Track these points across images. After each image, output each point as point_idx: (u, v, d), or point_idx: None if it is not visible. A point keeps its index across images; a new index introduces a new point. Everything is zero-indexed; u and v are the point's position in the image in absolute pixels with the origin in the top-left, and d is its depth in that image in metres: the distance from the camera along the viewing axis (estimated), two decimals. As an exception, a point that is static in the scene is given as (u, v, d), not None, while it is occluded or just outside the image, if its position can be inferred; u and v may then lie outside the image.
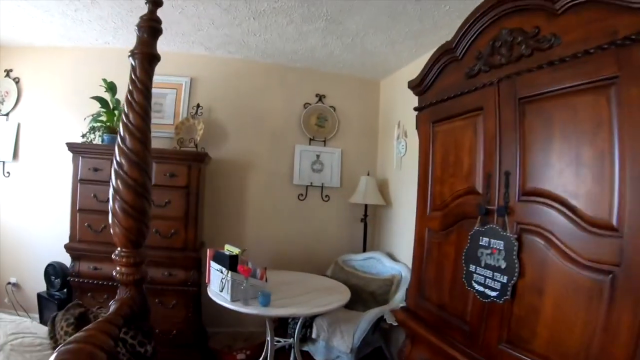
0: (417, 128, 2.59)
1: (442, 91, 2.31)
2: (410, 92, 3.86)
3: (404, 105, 4.25)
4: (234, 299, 2.77)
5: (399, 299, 3.67)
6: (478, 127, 1.96)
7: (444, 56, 2.30)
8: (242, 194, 4.29)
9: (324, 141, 4.54)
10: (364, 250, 4.44)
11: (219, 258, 3.01)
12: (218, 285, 2.89)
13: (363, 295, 3.76)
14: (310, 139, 4.49)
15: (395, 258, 4.15)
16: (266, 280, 3.00)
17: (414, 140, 4.00)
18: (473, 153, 1.99)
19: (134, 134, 1.57)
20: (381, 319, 3.44)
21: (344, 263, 4.25)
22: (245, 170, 4.30)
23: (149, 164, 1.61)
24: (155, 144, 3.92)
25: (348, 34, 3.56)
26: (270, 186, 4.38)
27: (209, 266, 3.15)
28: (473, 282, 1.87)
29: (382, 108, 4.81)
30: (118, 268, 1.62)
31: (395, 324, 3.12)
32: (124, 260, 1.60)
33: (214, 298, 2.89)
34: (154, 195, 3.58)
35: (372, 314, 3.42)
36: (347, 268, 4.12)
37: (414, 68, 4.12)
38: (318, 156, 4.50)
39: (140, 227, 1.60)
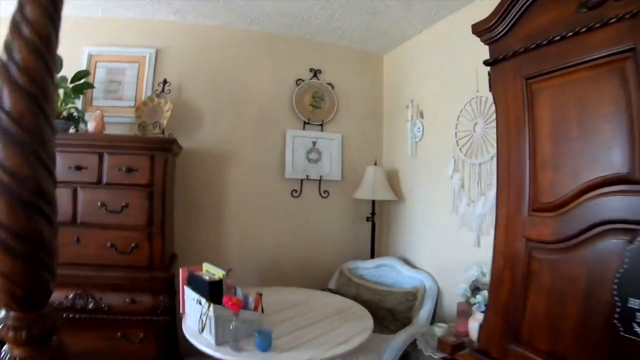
0: (491, 89, 1.86)
1: (536, 33, 1.60)
2: (428, 65, 3.13)
3: (418, 81, 3.53)
4: (219, 342, 1.98)
5: (424, 317, 2.96)
6: (628, 76, 1.21)
7: None
8: (222, 192, 3.48)
9: (321, 125, 3.76)
10: (373, 255, 3.70)
11: (196, 283, 2.22)
12: (197, 322, 2.09)
13: (379, 313, 3.02)
14: (305, 123, 3.70)
15: (412, 264, 3.42)
16: (262, 311, 2.22)
17: (432, 121, 3.31)
18: (619, 118, 1.25)
19: (18, 84, 0.75)
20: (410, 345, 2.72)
21: (351, 272, 3.49)
22: (226, 162, 3.48)
23: (50, 147, 0.80)
24: (110, 132, 3.10)
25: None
26: (257, 181, 3.57)
27: (183, 292, 2.35)
28: (636, 324, 1.14)
29: (387, 86, 4.06)
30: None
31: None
32: (10, 333, 0.80)
33: (191, 340, 2.10)
34: (105, 197, 2.70)
35: (398, 340, 2.68)
36: (355, 279, 3.37)
37: (427, 37, 3.45)
38: (314, 143, 3.72)
39: (36, 270, 0.79)
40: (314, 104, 3.72)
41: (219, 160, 3.46)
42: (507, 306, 1.71)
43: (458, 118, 3.03)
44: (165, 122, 3.01)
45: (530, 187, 1.65)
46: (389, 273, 3.37)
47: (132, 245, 2.72)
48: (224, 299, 2.00)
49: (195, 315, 2.14)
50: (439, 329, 2.58)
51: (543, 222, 1.59)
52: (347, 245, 3.85)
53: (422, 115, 3.45)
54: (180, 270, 2.42)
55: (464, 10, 3.04)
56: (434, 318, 3.03)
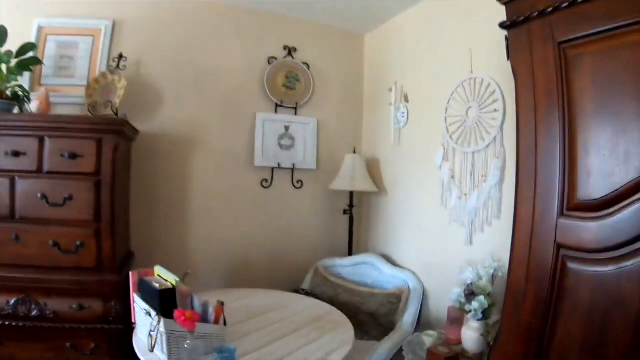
0: (510, 57, 1.57)
1: None
2: (415, 45, 2.90)
3: (403, 63, 3.23)
4: (174, 364, 1.63)
5: (409, 321, 2.70)
6: None
7: None
8: (185, 182, 3.08)
9: (295, 108, 3.40)
10: (350, 252, 3.39)
11: (145, 290, 1.86)
12: (147, 339, 1.73)
13: (360, 317, 2.72)
14: (277, 105, 3.33)
15: (394, 262, 3.14)
16: (225, 324, 1.87)
17: (418, 105, 3.01)
18: None
19: None
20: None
21: (327, 271, 3.18)
22: (189, 148, 3.08)
23: None
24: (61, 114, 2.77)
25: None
26: (224, 170, 3.19)
27: (133, 300, 1.98)
28: None
29: (368, 67, 3.73)
30: None
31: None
32: None
33: (142, 358, 1.74)
34: (46, 188, 2.25)
35: (383, 349, 2.40)
36: (332, 278, 3.05)
37: (414, 15, 3.13)
38: (287, 128, 3.36)
39: None
40: (288, 84, 3.35)
41: (181, 147, 3.05)
42: (530, 327, 1.43)
43: (448, 102, 2.74)
44: (118, 101, 2.59)
45: (566, 179, 1.35)
46: (369, 272, 3.07)
47: (77, 243, 2.31)
48: (176, 314, 1.64)
49: (145, 329, 1.77)
50: (429, 338, 2.31)
51: (583, 224, 1.31)
52: (323, 241, 3.53)
53: (406, 99, 3.14)
54: (131, 274, 2.04)
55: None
56: (419, 322, 2.75)
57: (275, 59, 3.32)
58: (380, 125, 3.45)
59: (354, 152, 3.39)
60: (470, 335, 2.14)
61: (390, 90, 3.22)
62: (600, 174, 1.28)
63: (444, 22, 2.85)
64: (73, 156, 2.31)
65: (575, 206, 1.34)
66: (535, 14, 1.41)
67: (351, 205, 3.36)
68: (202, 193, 3.12)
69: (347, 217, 3.41)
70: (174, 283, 1.82)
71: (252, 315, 2.33)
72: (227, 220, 3.20)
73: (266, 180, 3.30)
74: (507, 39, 1.56)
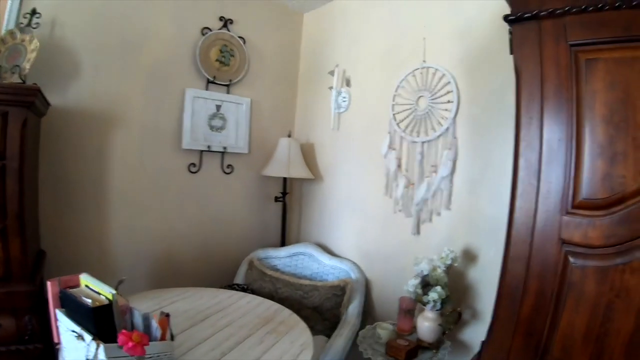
0: (513, 52, 1.49)
1: None
2: (361, 28, 2.90)
3: (347, 45, 3.11)
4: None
5: (354, 313, 2.62)
6: None
7: None
8: (101, 166, 2.62)
9: (228, 85, 3.09)
10: (284, 241, 3.22)
11: (72, 307, 1.50)
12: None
13: (303, 312, 2.57)
14: (209, 81, 2.99)
15: (332, 252, 3.04)
16: (172, 338, 1.58)
17: (361, 91, 2.92)
18: None
19: None
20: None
21: (262, 262, 2.98)
22: (107, 126, 2.62)
23: None
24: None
25: None
26: (147, 152, 2.78)
27: (55, 316, 1.60)
28: None
29: (305, 48, 3.54)
30: None
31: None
32: None
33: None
34: None
35: (337, 346, 2.29)
36: (268, 271, 2.86)
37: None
38: (218, 107, 3.05)
39: None
40: (222, 59, 3.03)
41: (98, 124, 2.58)
42: (530, 321, 1.41)
43: (397, 89, 2.69)
44: (28, 66, 2.08)
45: (573, 178, 1.35)
46: (308, 263, 2.94)
47: (-24, 245, 1.84)
48: (121, 339, 1.32)
49: (76, 354, 1.43)
50: (384, 331, 2.25)
51: (590, 222, 1.31)
52: (254, 231, 3.30)
53: (348, 83, 3.03)
54: (49, 284, 1.62)
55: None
56: (365, 314, 2.70)
57: (210, 30, 2.96)
58: (317, 108, 3.29)
59: (289, 135, 3.20)
60: (427, 325, 2.14)
61: (332, 73, 3.07)
62: (609, 177, 1.30)
63: (395, 7, 2.76)
64: (-33, 132, 1.82)
65: (580, 204, 1.35)
66: (545, 12, 1.37)
67: (284, 193, 3.18)
68: (122, 178, 2.69)
69: (279, 204, 3.23)
70: (109, 297, 1.48)
71: (193, 321, 2.05)
72: (150, 210, 2.81)
73: (194, 165, 2.97)
74: (510, 32, 1.51)
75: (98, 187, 2.62)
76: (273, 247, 3.13)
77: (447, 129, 2.41)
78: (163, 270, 2.85)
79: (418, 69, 2.57)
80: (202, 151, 2.99)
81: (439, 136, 2.46)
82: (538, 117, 1.42)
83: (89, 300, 1.46)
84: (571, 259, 1.36)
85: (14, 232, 1.89)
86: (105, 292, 1.49)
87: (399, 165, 2.66)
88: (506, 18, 1.49)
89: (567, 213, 1.36)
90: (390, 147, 2.70)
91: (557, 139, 1.37)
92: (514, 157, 1.49)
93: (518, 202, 1.47)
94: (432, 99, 2.50)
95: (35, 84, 2.09)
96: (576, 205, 1.35)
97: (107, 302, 1.46)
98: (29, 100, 1.93)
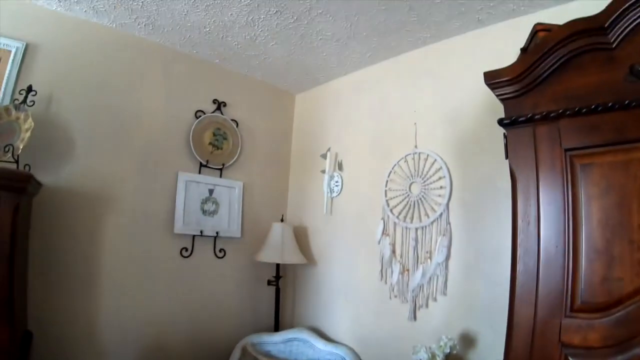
0: (508, 156, 1.52)
1: (574, 95, 1.38)
2: (353, 112, 3.02)
3: (339, 128, 3.18)
4: None
5: (351, 406, 2.47)
6: None
7: (582, 38, 1.36)
8: (91, 248, 2.54)
9: (220, 170, 3.11)
10: (277, 327, 3.10)
11: None
12: None
13: (298, 406, 2.45)
14: (201, 165, 3.02)
15: (327, 337, 2.94)
16: None
17: (354, 175, 2.96)
18: None
19: None
20: None
21: (256, 348, 2.85)
22: (99, 208, 2.58)
23: None
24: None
25: (293, 10, 2.34)
26: (139, 235, 2.73)
27: None
28: None
29: (296, 130, 3.62)
30: None
31: None
32: None
33: None
34: None
35: None
36: (262, 357, 2.74)
37: (354, 80, 3.14)
38: (211, 191, 3.05)
39: None
40: (215, 143, 3.07)
41: (91, 205, 2.55)
42: None
43: (389, 175, 2.73)
44: (22, 146, 2.08)
45: (571, 282, 1.34)
46: (303, 349, 2.82)
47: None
48: None
49: None
50: None
51: (589, 324, 1.30)
52: (247, 315, 3.18)
53: (340, 167, 3.08)
54: None
55: (406, 55, 2.81)
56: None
57: (204, 112, 3.03)
58: (310, 192, 3.31)
59: (282, 220, 3.19)
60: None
61: (324, 157, 3.12)
62: (607, 281, 1.29)
63: (385, 93, 2.88)
64: (-44, 218, 1.78)
65: (579, 308, 1.34)
66: (538, 116, 1.42)
67: (278, 276, 3.11)
68: (112, 261, 2.61)
69: (272, 288, 3.15)
70: None
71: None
72: (140, 293, 2.70)
73: (186, 249, 2.91)
74: (505, 137, 1.56)
75: (88, 269, 2.53)
76: (267, 332, 3.00)
77: (441, 214, 2.43)
78: (153, 356, 2.69)
79: (410, 154, 2.63)
80: (194, 235, 2.94)
81: (432, 222, 2.47)
82: (535, 222, 1.43)
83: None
84: (570, 360, 1.33)
85: (2, 319, 1.80)
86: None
87: (394, 251, 2.65)
88: (501, 122, 1.54)
89: (567, 316, 1.35)
90: (384, 233, 2.70)
91: (554, 244, 1.38)
92: (512, 261, 1.49)
93: (517, 307, 1.45)
94: (425, 185, 2.53)
95: (28, 166, 2.08)
96: (575, 308, 1.33)
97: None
98: (21, 187, 1.91)
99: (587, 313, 1.31)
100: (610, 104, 1.29)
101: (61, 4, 2.42)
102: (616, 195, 1.29)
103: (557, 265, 1.37)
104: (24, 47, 2.36)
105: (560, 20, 1.44)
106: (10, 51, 2.32)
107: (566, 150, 1.38)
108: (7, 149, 2.10)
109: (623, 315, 1.25)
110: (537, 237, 1.41)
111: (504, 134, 1.55)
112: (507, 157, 1.53)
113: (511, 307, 1.47)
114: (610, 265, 1.29)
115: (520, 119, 1.47)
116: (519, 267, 1.44)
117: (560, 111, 1.38)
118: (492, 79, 1.54)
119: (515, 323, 1.45)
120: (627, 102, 1.26)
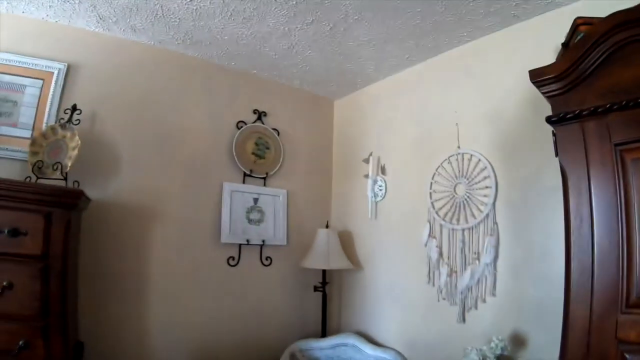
0: (558, 154, 1.50)
1: (620, 89, 1.34)
2: (392, 115, 2.95)
3: (379, 132, 3.17)
4: None
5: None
6: None
7: (625, 30, 1.33)
8: (142, 259, 2.66)
9: (264, 179, 3.17)
10: (324, 332, 3.11)
11: None
12: None
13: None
14: (245, 175, 3.09)
15: (374, 341, 2.91)
16: None
17: (397, 178, 2.94)
18: None
19: None
20: None
21: (304, 354, 2.86)
22: (148, 220, 2.70)
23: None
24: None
25: (329, 17, 2.37)
26: (186, 246, 2.82)
27: None
28: None
29: (337, 136, 3.64)
30: None
31: None
32: None
33: None
34: None
35: None
36: (310, 365, 2.75)
37: (392, 84, 3.13)
38: (256, 200, 3.11)
39: None
40: (258, 152, 3.14)
41: (138, 217, 2.66)
42: None
43: (433, 177, 2.70)
44: (70, 163, 2.20)
45: (626, 277, 1.29)
46: (351, 353, 2.81)
47: (20, 343, 1.84)
48: None
49: None
50: None
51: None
52: (294, 321, 3.21)
53: (383, 171, 3.07)
54: None
55: (444, 56, 2.78)
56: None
57: (245, 123, 3.11)
58: (354, 197, 3.31)
59: (327, 226, 3.21)
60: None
61: (367, 161, 3.12)
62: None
63: (425, 94, 2.86)
64: (14, 233, 1.88)
65: (635, 303, 1.30)
66: (586, 112, 1.39)
67: (324, 282, 3.12)
68: (160, 271, 2.70)
69: (319, 294, 3.16)
70: None
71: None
72: (189, 302, 2.79)
73: (233, 258, 2.98)
74: (554, 134, 1.52)
75: (137, 280, 2.63)
76: (314, 338, 3.01)
77: (487, 215, 2.38)
78: (203, 360, 2.78)
79: (453, 155, 2.59)
80: (240, 244, 3.00)
81: (479, 222, 2.42)
82: (588, 220, 1.40)
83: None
84: (628, 357, 1.28)
85: (56, 330, 1.91)
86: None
87: (441, 253, 2.60)
88: (549, 119, 1.51)
89: (623, 312, 1.31)
90: (431, 235, 2.66)
91: (608, 240, 1.34)
92: (565, 260, 1.46)
93: (572, 305, 1.42)
94: (470, 185, 2.49)
95: (77, 182, 2.19)
96: (631, 304, 1.29)
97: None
98: (72, 203, 2.03)
99: (642, 309, 1.27)
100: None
101: (100, 24, 2.55)
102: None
103: (611, 262, 1.33)
104: (65, 68, 2.50)
105: (596, 10, 1.42)
106: (52, 72, 2.46)
107: (616, 145, 1.34)
108: (55, 166, 2.22)
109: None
110: (590, 234, 1.37)
111: (553, 131, 1.52)
112: (557, 155, 1.50)
113: (566, 305, 1.44)
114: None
115: (568, 115, 1.44)
116: (574, 265, 1.41)
117: (608, 106, 1.35)
118: (538, 77, 1.52)
119: (570, 320, 1.42)
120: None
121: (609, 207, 1.34)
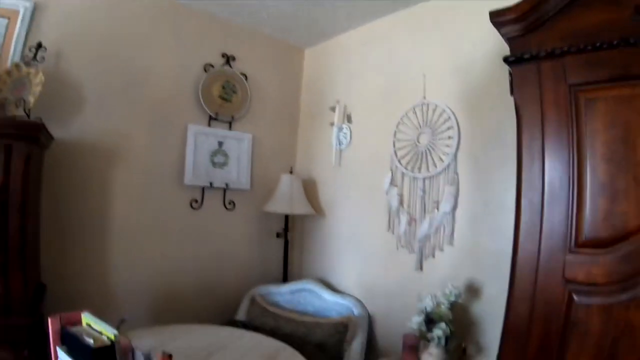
0: (513, 93, 1.53)
1: (581, 33, 1.37)
2: (361, 65, 2.95)
3: (347, 81, 3.16)
4: None
5: (357, 350, 2.58)
6: None
7: None
8: (102, 201, 2.62)
9: (230, 122, 3.13)
10: (285, 278, 3.19)
11: (74, 346, 1.47)
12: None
13: (306, 348, 2.51)
14: (211, 118, 3.03)
15: (334, 288, 3.01)
16: None
17: (362, 127, 2.97)
18: None
19: None
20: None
21: (264, 299, 2.94)
22: (110, 161, 2.64)
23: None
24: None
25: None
26: (149, 187, 2.79)
27: (54, 351, 1.57)
28: None
29: (306, 84, 3.60)
30: None
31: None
32: None
33: None
34: None
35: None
36: (270, 307, 2.83)
37: (362, 33, 3.11)
38: (221, 144, 3.08)
39: None
40: (224, 95, 3.08)
41: (102, 159, 2.60)
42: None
43: (397, 126, 2.73)
44: (33, 100, 2.12)
45: (575, 217, 1.36)
46: (310, 299, 2.90)
47: (-25, 279, 1.82)
48: None
49: None
50: (389, 369, 2.21)
51: (594, 260, 1.32)
52: (255, 267, 3.27)
53: (349, 119, 3.08)
54: (50, 320, 1.60)
55: (415, 7, 2.74)
56: (368, 350, 2.65)
57: (212, 66, 3.03)
58: (318, 144, 3.32)
59: (291, 172, 3.23)
60: (432, 361, 2.11)
61: (333, 109, 3.12)
62: (612, 215, 1.31)
63: (394, 45, 2.84)
64: (-30, 167, 1.83)
65: (584, 243, 1.36)
66: (544, 53, 1.42)
67: (286, 229, 3.17)
68: (123, 213, 2.68)
69: (281, 240, 3.21)
70: (111, 337, 1.45)
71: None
72: (151, 245, 2.79)
73: (196, 201, 2.97)
74: (510, 74, 1.55)
75: (100, 222, 2.61)
76: (275, 283, 3.10)
77: (449, 164, 2.44)
78: (164, 306, 2.80)
79: (418, 105, 2.62)
80: (204, 187, 2.99)
81: (440, 172, 2.48)
82: (540, 157, 1.44)
83: (91, 340, 1.43)
84: (575, 297, 1.36)
85: (15, 266, 1.88)
86: (108, 332, 1.46)
87: (401, 202, 2.67)
88: (506, 59, 1.54)
89: (571, 252, 1.37)
90: (392, 183, 2.72)
91: (558, 178, 1.39)
92: (516, 197, 1.51)
93: (521, 243, 1.48)
94: (433, 135, 2.53)
95: (39, 118, 2.11)
96: (580, 244, 1.36)
97: (109, 342, 1.43)
98: (33, 136, 1.96)
99: (591, 248, 1.33)
100: (616, 42, 1.28)
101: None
102: (621, 129, 1.29)
103: (561, 200, 1.38)
104: (32, 6, 2.36)
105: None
106: (18, 11, 2.33)
107: (571, 85, 1.38)
108: (18, 103, 2.14)
109: (628, 251, 1.27)
110: (541, 172, 1.42)
111: (509, 71, 1.55)
112: (512, 94, 1.53)
113: (515, 242, 1.49)
114: (614, 199, 1.30)
115: (525, 55, 1.47)
116: (524, 202, 1.46)
117: (566, 48, 1.38)
118: (498, 17, 1.53)
119: (519, 259, 1.48)
120: (632, 40, 1.26)
121: (560, 146, 1.38)
